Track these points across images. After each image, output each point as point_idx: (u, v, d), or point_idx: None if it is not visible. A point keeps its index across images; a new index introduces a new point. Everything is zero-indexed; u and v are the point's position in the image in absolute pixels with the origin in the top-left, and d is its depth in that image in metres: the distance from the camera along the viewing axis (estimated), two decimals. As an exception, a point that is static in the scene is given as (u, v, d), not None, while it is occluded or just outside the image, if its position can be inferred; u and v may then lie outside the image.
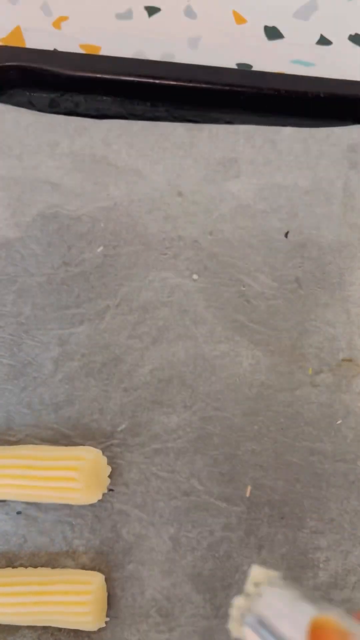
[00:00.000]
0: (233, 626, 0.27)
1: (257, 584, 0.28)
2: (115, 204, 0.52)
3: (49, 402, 0.49)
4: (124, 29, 0.63)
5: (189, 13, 0.64)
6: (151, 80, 0.55)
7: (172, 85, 0.55)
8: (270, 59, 0.63)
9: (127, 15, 0.63)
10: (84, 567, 0.47)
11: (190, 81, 0.55)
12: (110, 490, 0.48)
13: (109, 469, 0.47)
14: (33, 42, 0.62)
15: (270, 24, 0.64)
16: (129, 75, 0.55)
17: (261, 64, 0.62)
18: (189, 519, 0.48)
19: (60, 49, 0.62)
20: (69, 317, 0.50)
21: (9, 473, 0.45)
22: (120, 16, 0.63)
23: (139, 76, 0.55)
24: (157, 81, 0.55)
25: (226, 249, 0.51)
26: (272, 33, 0.64)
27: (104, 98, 0.57)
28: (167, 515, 0.48)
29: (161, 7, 0.64)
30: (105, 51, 0.62)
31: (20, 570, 0.46)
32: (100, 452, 0.47)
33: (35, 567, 0.47)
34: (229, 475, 0.49)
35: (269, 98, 0.55)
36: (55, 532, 0.47)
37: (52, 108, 0.56)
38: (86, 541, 0.47)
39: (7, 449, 0.47)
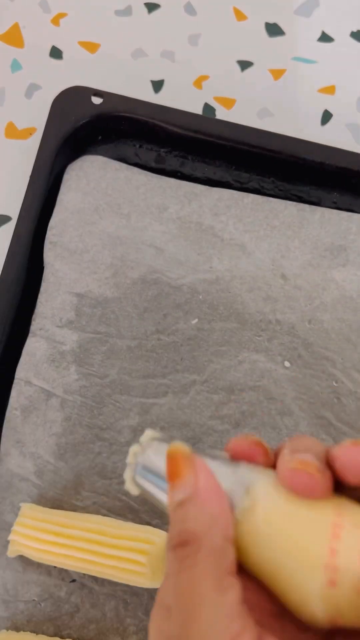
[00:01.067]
0: (128, 485, 0.30)
1: (141, 442, 0.30)
2: (217, 278, 0.51)
3: (122, 472, 0.48)
4: (123, 26, 0.62)
5: (189, 9, 0.63)
6: (265, 152, 0.54)
7: (285, 159, 0.54)
8: (271, 56, 0.62)
9: (126, 11, 0.62)
10: (130, 646, 0.46)
11: (304, 158, 0.54)
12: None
13: (174, 554, 0.46)
14: (31, 39, 0.61)
15: (271, 21, 0.63)
16: (243, 143, 0.54)
17: (262, 62, 0.61)
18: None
19: (58, 46, 0.61)
20: (153, 386, 0.49)
21: (75, 545, 0.44)
22: (119, 12, 0.62)
23: (252, 146, 0.54)
24: (271, 154, 0.54)
25: (323, 340, 0.50)
26: (273, 30, 0.62)
27: (212, 161, 0.56)
28: (225, 609, 0.46)
29: (161, 4, 0.63)
30: (104, 48, 0.61)
31: None
32: (168, 535, 0.45)
33: None
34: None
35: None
36: (108, 607, 0.46)
37: (158, 163, 0.56)
38: (139, 621, 0.46)
39: (76, 518, 0.45)
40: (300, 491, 0.26)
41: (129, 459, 0.31)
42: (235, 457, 0.29)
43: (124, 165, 0.53)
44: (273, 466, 0.28)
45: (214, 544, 0.25)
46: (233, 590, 0.25)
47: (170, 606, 0.25)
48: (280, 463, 0.26)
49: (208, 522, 0.26)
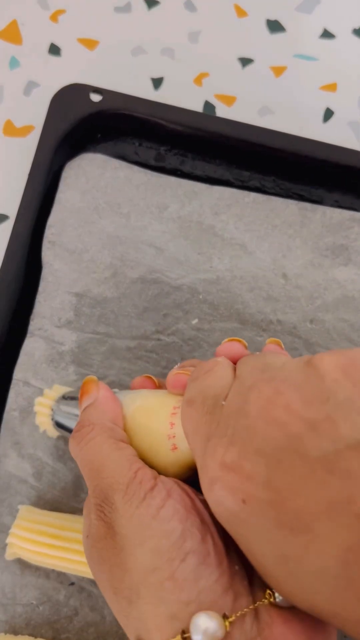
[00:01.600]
0: (50, 429, 0.45)
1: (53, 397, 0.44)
2: (217, 278, 0.50)
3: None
4: (122, 22, 0.61)
5: (189, 6, 0.62)
6: (266, 150, 0.54)
7: (286, 157, 0.54)
8: (272, 53, 0.61)
9: (125, 8, 0.61)
10: (130, 649, 0.45)
11: (305, 157, 0.53)
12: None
13: (174, 557, 0.45)
14: (29, 36, 0.60)
15: (272, 17, 0.62)
16: (244, 141, 0.54)
17: (263, 59, 0.60)
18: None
19: (57, 43, 0.60)
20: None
21: (73, 547, 0.43)
22: (118, 9, 0.61)
23: (253, 144, 0.53)
24: (272, 152, 0.54)
25: (325, 341, 0.49)
26: (274, 26, 0.62)
27: (212, 159, 0.55)
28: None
29: (160, 0, 0.62)
30: (103, 45, 0.60)
31: None
32: (168, 538, 0.45)
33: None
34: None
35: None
36: (107, 610, 0.45)
37: (157, 162, 0.55)
38: (138, 625, 0.45)
39: (75, 520, 0.45)
40: (174, 388, 0.36)
41: (37, 408, 0.46)
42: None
43: (124, 164, 0.52)
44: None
45: (104, 425, 0.35)
46: (127, 448, 0.34)
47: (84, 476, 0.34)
48: (169, 374, 0.37)
49: (100, 414, 0.36)
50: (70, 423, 0.42)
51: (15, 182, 0.55)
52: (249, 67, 0.61)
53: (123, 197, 0.51)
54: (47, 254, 0.51)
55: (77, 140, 0.54)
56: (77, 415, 0.40)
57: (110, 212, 0.51)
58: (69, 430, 0.42)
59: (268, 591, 0.29)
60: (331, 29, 0.62)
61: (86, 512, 0.34)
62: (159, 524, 0.30)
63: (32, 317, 0.50)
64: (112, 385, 0.48)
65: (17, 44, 0.61)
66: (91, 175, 0.52)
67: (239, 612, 0.28)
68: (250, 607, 0.29)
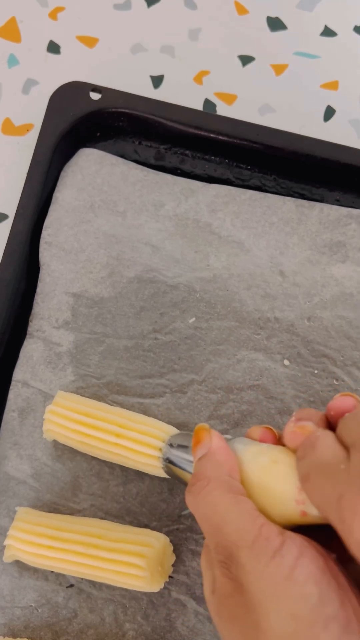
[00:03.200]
0: (159, 471, 0.43)
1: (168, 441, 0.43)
2: (214, 276, 0.50)
3: (119, 473, 0.47)
4: (122, 20, 0.61)
5: (189, 3, 0.61)
6: (267, 149, 0.53)
7: (287, 156, 0.53)
8: (273, 51, 0.60)
9: (125, 5, 0.61)
10: (129, 651, 0.45)
11: (306, 155, 0.53)
12: (169, 577, 0.45)
13: (173, 558, 0.45)
14: (28, 34, 0.60)
15: (273, 15, 0.61)
16: (244, 140, 0.53)
17: (263, 57, 0.60)
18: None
19: (56, 40, 0.60)
20: (151, 386, 0.48)
21: (72, 549, 0.43)
22: (118, 7, 0.61)
23: (254, 143, 0.53)
24: (273, 151, 0.53)
25: (323, 338, 0.49)
26: (275, 24, 0.61)
27: (213, 158, 0.55)
28: (225, 613, 0.45)
29: None
30: (103, 43, 0.60)
31: None
32: (167, 539, 0.44)
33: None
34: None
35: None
36: (107, 611, 0.45)
37: (157, 160, 0.55)
38: (138, 626, 0.45)
39: (72, 522, 0.45)
40: (292, 445, 0.34)
41: (47, 415, 0.46)
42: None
43: (120, 160, 0.52)
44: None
45: (220, 479, 0.34)
46: (248, 502, 0.32)
47: (205, 539, 0.34)
48: (286, 428, 0.35)
49: (216, 467, 0.34)
50: (183, 467, 0.41)
51: (13, 181, 0.55)
52: (250, 65, 0.61)
53: (119, 195, 0.51)
54: (44, 255, 0.51)
55: (76, 139, 0.54)
56: (189, 462, 0.40)
57: (106, 210, 0.51)
58: (183, 478, 0.41)
59: None
60: (332, 27, 0.62)
61: (206, 565, 0.33)
62: (293, 586, 0.28)
63: (30, 318, 0.50)
64: (110, 385, 0.48)
65: (16, 41, 0.61)
66: (87, 172, 0.52)
67: None
68: None
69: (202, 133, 0.54)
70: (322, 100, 0.60)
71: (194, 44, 0.61)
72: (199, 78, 0.60)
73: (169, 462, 0.42)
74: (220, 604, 0.31)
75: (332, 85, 0.61)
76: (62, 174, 0.53)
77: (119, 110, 0.54)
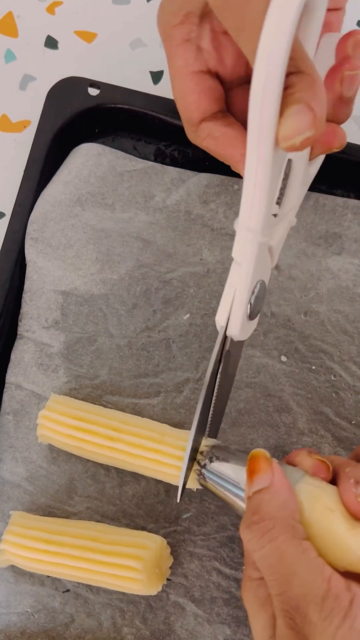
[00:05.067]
0: (193, 482, 0.39)
1: (203, 452, 0.39)
2: (207, 271, 0.48)
3: (115, 475, 0.46)
4: (121, 15, 0.59)
5: None
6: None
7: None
8: None
9: (124, 0, 0.59)
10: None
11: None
12: (167, 579, 0.45)
13: (171, 560, 0.44)
14: (25, 28, 0.58)
15: None
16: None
17: None
18: (249, 623, 0.44)
19: (54, 35, 0.58)
20: (145, 386, 0.47)
21: (68, 553, 0.42)
22: (117, 1, 0.59)
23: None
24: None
25: (319, 333, 0.48)
26: None
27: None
28: (225, 615, 0.44)
29: None
30: (101, 38, 0.58)
31: None
32: (164, 541, 0.44)
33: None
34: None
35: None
36: (104, 616, 0.45)
37: (157, 157, 0.53)
38: (136, 630, 0.44)
39: (68, 525, 0.44)
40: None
41: (40, 421, 0.45)
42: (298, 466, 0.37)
43: (107, 149, 0.50)
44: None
45: (286, 522, 0.33)
46: (312, 550, 0.32)
47: (261, 575, 0.34)
48: (347, 491, 0.34)
49: (280, 506, 0.33)
50: (226, 487, 0.38)
51: (11, 179, 0.53)
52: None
53: (107, 186, 0.49)
54: (30, 252, 0.49)
55: (74, 136, 0.52)
56: (233, 482, 0.38)
57: (94, 203, 0.49)
58: (220, 495, 0.39)
59: None
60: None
61: (258, 605, 0.34)
62: None
63: (20, 317, 0.49)
64: (104, 386, 0.47)
65: (13, 36, 0.59)
66: (73, 165, 0.50)
67: None
68: None
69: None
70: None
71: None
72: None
73: (204, 474, 0.39)
74: None
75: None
76: (58, 172, 0.51)
77: (118, 106, 0.52)
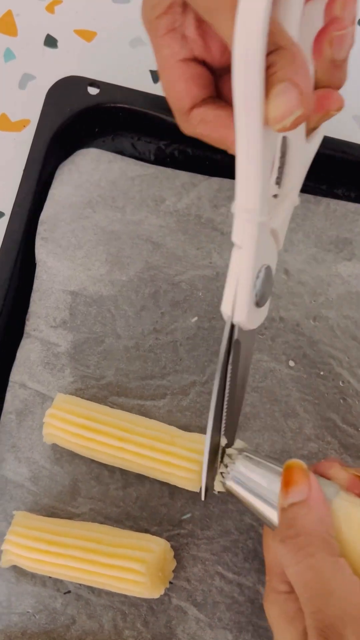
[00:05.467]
0: (217, 484, 0.39)
1: (231, 454, 0.38)
2: (217, 274, 0.48)
3: (119, 476, 0.46)
4: (121, 13, 0.59)
5: None
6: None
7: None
8: None
9: None
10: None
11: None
12: (169, 583, 0.44)
13: (174, 563, 0.44)
14: (25, 27, 0.58)
15: None
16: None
17: None
18: (251, 627, 0.44)
19: (53, 34, 0.59)
20: (152, 387, 0.47)
21: (70, 554, 0.42)
22: (116, 0, 0.60)
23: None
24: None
25: (328, 339, 0.47)
26: None
27: (214, 154, 0.54)
28: (227, 620, 0.44)
29: None
30: (101, 37, 0.58)
31: None
32: (168, 544, 0.43)
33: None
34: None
35: None
36: (106, 618, 0.44)
37: (157, 157, 0.53)
38: (137, 633, 0.44)
39: (71, 526, 0.44)
40: None
41: (46, 419, 0.44)
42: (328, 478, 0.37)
43: (118, 157, 0.51)
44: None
45: (322, 538, 0.32)
46: (347, 567, 0.32)
47: (289, 589, 0.34)
48: None
49: (316, 522, 0.33)
50: (257, 494, 0.37)
51: (10, 178, 0.54)
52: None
53: (118, 190, 0.50)
54: (40, 252, 0.49)
55: (74, 135, 0.53)
56: (263, 489, 0.37)
57: (104, 206, 0.50)
58: (249, 504, 0.38)
59: None
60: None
61: (285, 620, 0.33)
62: None
63: (27, 317, 0.49)
64: (110, 387, 0.47)
65: (12, 35, 0.59)
66: (84, 170, 0.51)
67: None
68: None
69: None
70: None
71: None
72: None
73: (232, 477, 0.38)
74: None
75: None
76: (58, 171, 0.51)
77: (118, 105, 0.52)
